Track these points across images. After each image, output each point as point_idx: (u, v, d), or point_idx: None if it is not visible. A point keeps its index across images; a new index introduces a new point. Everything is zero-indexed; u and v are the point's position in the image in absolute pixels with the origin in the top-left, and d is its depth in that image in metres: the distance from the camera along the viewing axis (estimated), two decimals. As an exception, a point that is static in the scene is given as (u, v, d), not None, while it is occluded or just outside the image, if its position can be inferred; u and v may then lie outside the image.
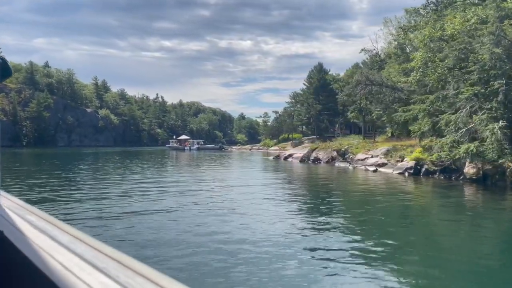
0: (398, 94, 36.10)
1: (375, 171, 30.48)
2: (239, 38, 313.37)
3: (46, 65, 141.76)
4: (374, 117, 48.89)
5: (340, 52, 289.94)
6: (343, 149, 40.87)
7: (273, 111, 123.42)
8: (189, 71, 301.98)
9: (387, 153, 33.60)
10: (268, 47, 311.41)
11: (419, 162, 27.20)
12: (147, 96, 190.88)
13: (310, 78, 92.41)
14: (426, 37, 24.77)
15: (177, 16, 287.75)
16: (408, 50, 45.83)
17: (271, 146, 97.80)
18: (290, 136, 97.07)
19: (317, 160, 42.75)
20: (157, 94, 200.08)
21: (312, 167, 37.86)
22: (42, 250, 0.94)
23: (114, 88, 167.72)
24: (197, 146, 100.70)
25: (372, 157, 35.12)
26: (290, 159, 47.61)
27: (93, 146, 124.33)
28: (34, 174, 27.80)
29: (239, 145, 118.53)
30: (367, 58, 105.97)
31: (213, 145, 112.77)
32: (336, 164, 38.85)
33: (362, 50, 52.91)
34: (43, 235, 1.06)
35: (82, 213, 13.25)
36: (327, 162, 41.17)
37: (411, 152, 30.37)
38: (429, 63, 26.30)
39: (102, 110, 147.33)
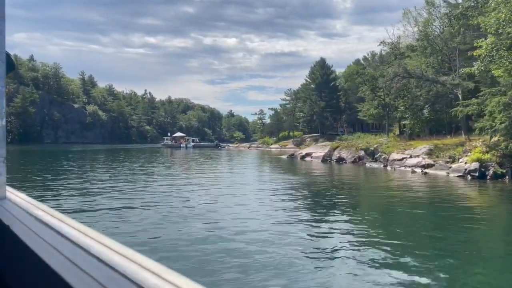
0: (437, 87, 32.91)
1: (425, 173, 27.22)
2: (224, 35, 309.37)
3: (31, 59, 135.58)
4: (398, 114, 45.88)
5: (324, 50, 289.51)
6: (371, 148, 37.58)
7: (269, 108, 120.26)
8: (174, 68, 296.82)
9: (430, 153, 30.40)
10: (253, 45, 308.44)
11: (482, 164, 23.99)
12: (134, 92, 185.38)
13: (313, 74, 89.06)
14: (501, 20, 21.54)
15: (161, 12, 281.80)
16: (437, 41, 42.71)
17: (271, 144, 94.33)
18: (291, 134, 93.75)
19: (341, 159, 39.42)
20: (145, 90, 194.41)
21: (340, 168, 34.47)
22: (48, 244, 0.95)
23: (99, 85, 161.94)
24: (193, 143, 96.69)
25: (411, 157, 31.92)
26: (308, 159, 44.19)
27: (81, 143, 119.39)
28: (20, 174, 23.87)
29: (236, 143, 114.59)
30: (368, 54, 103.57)
31: (209, 143, 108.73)
32: (368, 165, 35.52)
33: (381, 42, 49.33)
34: (49, 229, 1.08)
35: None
36: (353, 162, 37.87)
37: (464, 152, 27.23)
38: (494, 51, 23.14)
39: (90, 106, 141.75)
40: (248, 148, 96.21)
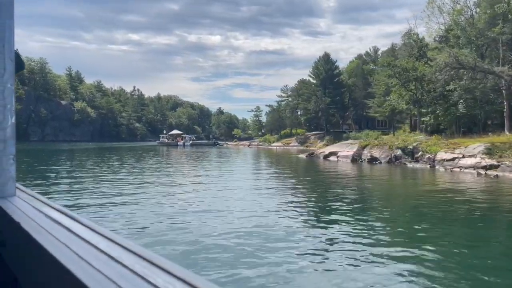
0: (488, 79, 29.70)
1: (496, 176, 23.90)
2: (209, 33, 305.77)
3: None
4: (429, 108, 42.69)
5: (308, 49, 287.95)
6: (410, 147, 34.24)
7: (266, 105, 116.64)
8: (158, 65, 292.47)
9: (489, 153, 27.15)
10: (238, 43, 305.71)
11: None
12: (123, 89, 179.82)
13: (316, 69, 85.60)
14: None
15: (145, 9, 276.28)
16: (470, 31, 39.59)
17: (272, 142, 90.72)
18: (293, 131, 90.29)
19: (373, 159, 35.98)
20: (134, 87, 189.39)
21: (379, 169, 30.99)
22: (58, 240, 0.97)
23: (86, 81, 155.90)
24: (190, 141, 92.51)
25: (463, 157, 28.65)
26: (332, 158, 40.61)
27: (69, 141, 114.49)
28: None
29: (235, 141, 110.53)
30: (370, 49, 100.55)
31: (206, 141, 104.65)
32: (409, 165, 32.15)
33: (406, 34, 45.96)
34: (59, 226, 1.10)
35: None
36: (389, 162, 34.48)
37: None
38: None
39: (78, 103, 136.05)
40: (249, 146, 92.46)
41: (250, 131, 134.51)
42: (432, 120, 45.67)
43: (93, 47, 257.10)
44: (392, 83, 42.91)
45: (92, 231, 1.01)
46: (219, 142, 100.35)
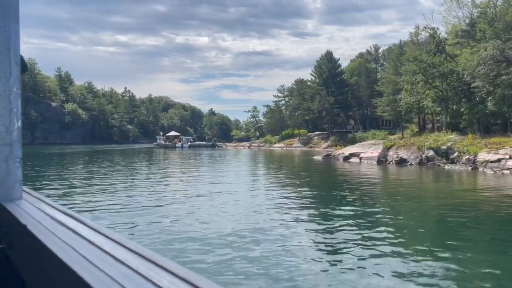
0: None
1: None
2: (196, 34, 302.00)
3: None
4: (454, 106, 40.32)
5: (296, 50, 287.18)
6: (443, 147, 31.89)
7: (263, 105, 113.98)
8: (145, 66, 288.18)
9: (541, 153, 24.89)
10: (225, 44, 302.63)
11: None
12: (114, 90, 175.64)
13: (319, 68, 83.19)
14: None
15: (131, 10, 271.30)
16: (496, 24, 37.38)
17: (274, 143, 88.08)
18: (295, 132, 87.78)
19: (402, 161, 33.57)
20: (125, 88, 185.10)
21: (414, 172, 28.52)
22: (64, 242, 0.98)
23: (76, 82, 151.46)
24: (189, 143, 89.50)
25: (511, 158, 26.37)
26: (354, 160, 38.09)
27: (59, 144, 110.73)
28: None
29: (234, 142, 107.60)
30: (370, 48, 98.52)
31: (205, 142, 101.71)
32: (447, 167, 29.78)
33: (424, 28, 43.71)
34: (65, 228, 1.12)
35: None
36: (420, 163, 32.13)
37: None
38: None
39: (69, 104, 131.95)
40: (249, 147, 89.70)
41: (243, 133, 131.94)
42: (448, 118, 43.48)
43: (80, 49, 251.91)
44: (416, 79, 40.54)
45: (97, 233, 1.02)
46: (217, 144, 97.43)
